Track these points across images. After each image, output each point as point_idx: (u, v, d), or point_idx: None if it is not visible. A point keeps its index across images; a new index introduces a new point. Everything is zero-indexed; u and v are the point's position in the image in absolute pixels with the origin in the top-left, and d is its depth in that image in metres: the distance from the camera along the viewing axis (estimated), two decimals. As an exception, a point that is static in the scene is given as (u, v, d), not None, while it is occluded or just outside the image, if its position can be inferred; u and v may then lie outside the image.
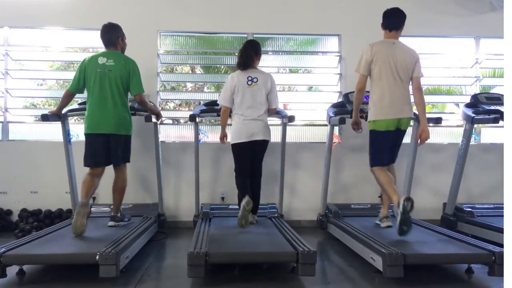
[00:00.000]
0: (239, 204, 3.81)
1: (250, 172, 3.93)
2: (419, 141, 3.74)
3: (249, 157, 3.90)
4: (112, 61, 3.65)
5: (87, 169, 3.68)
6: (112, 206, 3.94)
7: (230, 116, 3.99)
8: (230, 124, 4.03)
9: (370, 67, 3.58)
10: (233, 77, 3.88)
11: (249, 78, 3.84)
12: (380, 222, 3.83)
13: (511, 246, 2.05)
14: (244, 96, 3.83)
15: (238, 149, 3.87)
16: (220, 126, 4.03)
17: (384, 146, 3.63)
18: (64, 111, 4.05)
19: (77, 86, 3.73)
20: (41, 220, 4.52)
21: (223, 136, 3.95)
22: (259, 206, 4.27)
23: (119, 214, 3.88)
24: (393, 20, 3.66)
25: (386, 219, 3.78)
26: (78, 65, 3.79)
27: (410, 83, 3.63)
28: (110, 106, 3.61)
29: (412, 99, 3.65)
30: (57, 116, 3.96)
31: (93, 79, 3.63)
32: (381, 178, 3.60)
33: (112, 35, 3.75)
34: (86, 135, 3.69)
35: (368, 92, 3.70)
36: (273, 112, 4.03)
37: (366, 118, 3.82)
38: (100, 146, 3.63)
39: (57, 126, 4.22)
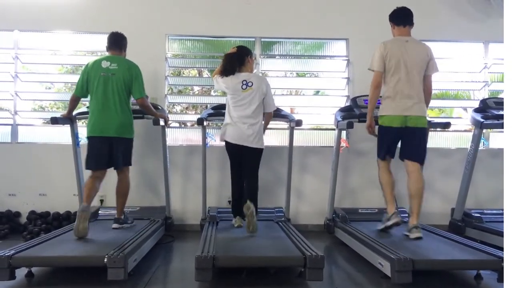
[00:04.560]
0: (233, 213, 3.96)
1: (245, 176, 3.83)
2: None
3: (238, 158, 3.85)
4: (116, 65, 3.69)
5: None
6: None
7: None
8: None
9: (384, 63, 3.57)
10: (226, 80, 3.81)
11: (244, 82, 3.77)
12: (409, 233, 3.46)
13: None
14: (236, 100, 3.76)
15: (227, 147, 3.88)
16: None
17: (385, 140, 3.66)
18: (73, 114, 4.09)
19: (81, 90, 3.76)
20: (50, 222, 4.55)
21: None
22: (266, 210, 4.28)
23: (122, 217, 3.90)
24: (406, 16, 3.69)
25: (415, 229, 3.43)
26: (82, 69, 3.82)
27: None
28: (113, 110, 3.64)
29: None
30: (68, 118, 4.01)
31: (96, 83, 3.66)
32: (381, 176, 3.77)
33: (122, 42, 3.86)
34: (89, 138, 3.71)
35: (380, 97, 3.70)
36: (270, 116, 3.94)
37: (377, 123, 3.81)
38: (102, 149, 3.65)
39: (65, 129, 4.25)
